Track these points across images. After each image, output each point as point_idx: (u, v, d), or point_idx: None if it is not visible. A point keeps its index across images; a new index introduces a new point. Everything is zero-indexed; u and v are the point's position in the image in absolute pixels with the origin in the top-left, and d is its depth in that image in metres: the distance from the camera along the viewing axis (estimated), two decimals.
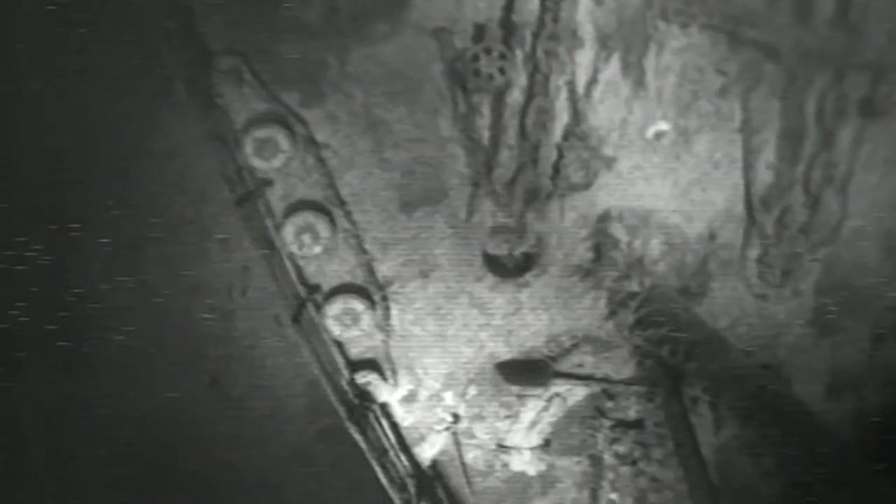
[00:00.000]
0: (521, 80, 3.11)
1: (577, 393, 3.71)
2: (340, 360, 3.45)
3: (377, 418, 3.56)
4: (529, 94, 3.08)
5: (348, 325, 3.35)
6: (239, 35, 3.08)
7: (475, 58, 3.03)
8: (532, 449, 3.80)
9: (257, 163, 3.13)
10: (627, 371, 3.62)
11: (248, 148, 3.12)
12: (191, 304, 4.02)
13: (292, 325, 3.24)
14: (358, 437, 3.37)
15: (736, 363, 2.83)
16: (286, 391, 3.92)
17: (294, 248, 3.25)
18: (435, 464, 3.77)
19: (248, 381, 4.08)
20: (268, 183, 3.18)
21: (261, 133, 3.09)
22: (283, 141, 3.11)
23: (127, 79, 3.32)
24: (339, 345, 3.46)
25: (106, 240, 3.82)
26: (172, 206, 3.75)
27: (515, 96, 3.10)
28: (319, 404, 3.76)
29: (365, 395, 3.47)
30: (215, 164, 3.19)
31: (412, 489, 3.62)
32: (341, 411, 3.37)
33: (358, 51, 3.11)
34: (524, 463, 3.84)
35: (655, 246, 3.37)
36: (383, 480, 3.47)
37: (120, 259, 3.92)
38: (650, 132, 3.31)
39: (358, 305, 3.33)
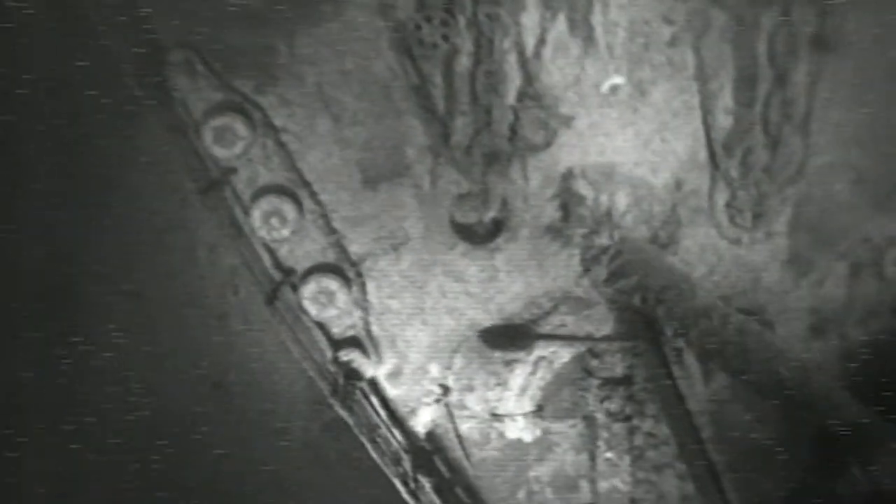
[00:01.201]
0: (467, 45, 3.12)
1: (563, 355, 3.73)
2: (322, 341, 3.45)
3: (366, 395, 3.58)
4: (476, 59, 3.11)
5: (324, 305, 3.39)
6: (187, 28, 3.13)
7: (417, 27, 3.06)
8: (525, 415, 3.82)
9: (218, 151, 3.17)
10: (608, 327, 3.63)
11: (208, 137, 3.15)
12: (186, 312, 4.07)
13: (267, 308, 3.24)
14: (344, 413, 3.38)
15: (702, 299, 2.84)
16: (288, 387, 3.98)
17: (263, 233, 3.28)
18: (431, 437, 3.79)
19: (249, 380, 4.14)
20: (231, 171, 3.22)
21: (218, 122, 3.13)
22: (240, 128, 3.16)
23: (88, 85, 3.37)
24: (321, 326, 3.48)
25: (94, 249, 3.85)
26: (155, 213, 3.80)
27: (463, 62, 3.12)
28: (323, 397, 3.80)
29: (350, 373, 3.49)
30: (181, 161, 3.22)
31: (407, 464, 3.64)
32: (326, 390, 3.38)
33: (304, 33, 3.15)
34: (519, 430, 3.86)
35: (622, 199, 3.40)
36: (374, 456, 3.48)
37: (112, 270, 3.96)
38: (605, 87, 3.33)
39: (332, 284, 3.37)
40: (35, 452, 3.97)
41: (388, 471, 3.57)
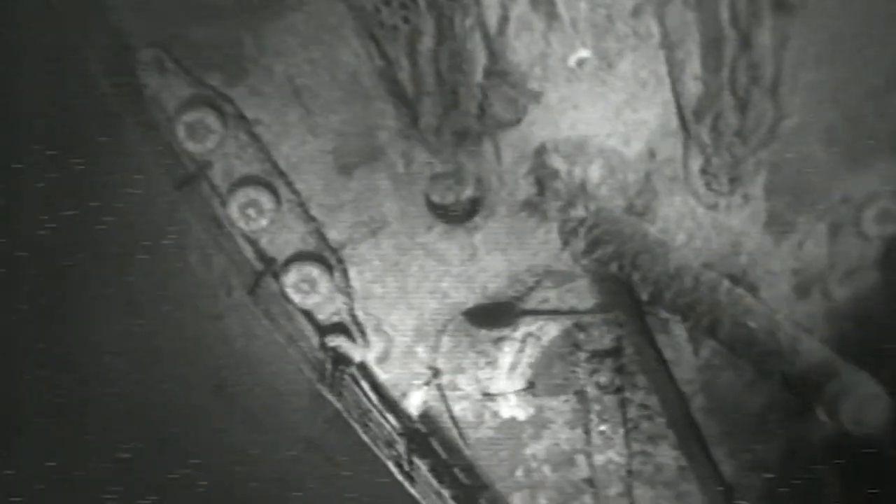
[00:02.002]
0: (429, 26, 3.15)
1: (550, 330, 3.76)
2: (308, 328, 3.49)
3: (356, 381, 3.62)
4: (439, 40, 3.13)
5: (307, 292, 3.43)
6: (155, 26, 3.17)
7: (377, 10, 3.10)
8: (517, 393, 3.85)
9: (192, 146, 3.22)
10: (592, 300, 3.65)
11: (181, 133, 3.20)
12: (183, 316, 4.10)
13: (249, 297, 3.28)
14: (333, 398, 3.42)
15: (675, 261, 2.87)
16: (289, 384, 4.02)
17: (242, 225, 3.32)
18: (426, 420, 3.83)
19: (250, 380, 4.18)
20: (207, 165, 3.26)
21: (190, 117, 3.18)
22: (212, 122, 3.20)
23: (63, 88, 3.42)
24: (307, 314, 3.53)
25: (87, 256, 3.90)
26: (146, 218, 3.84)
27: (426, 43, 3.15)
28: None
29: (338, 359, 3.53)
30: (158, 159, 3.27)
31: (401, 447, 3.68)
32: (313, 376, 3.42)
33: (270, 25, 3.20)
34: (512, 408, 3.89)
35: (595, 171, 3.42)
36: (366, 440, 3.51)
37: (107, 278, 4.00)
38: (572, 61, 3.36)
39: (313, 271, 3.41)
40: (35, 455, 3.97)
41: (382, 454, 3.58)
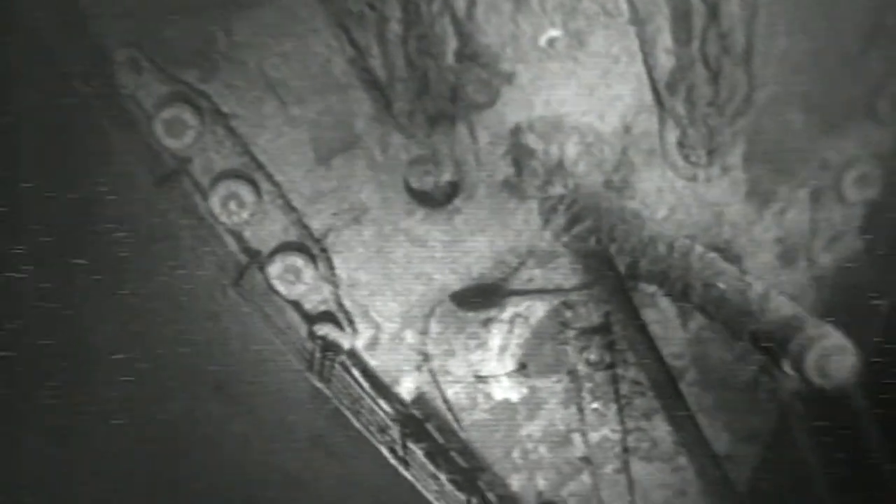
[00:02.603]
0: (396, 12, 3.19)
1: (538, 310, 3.78)
2: (296, 318, 3.53)
3: (347, 368, 3.66)
4: (406, 25, 3.17)
5: (292, 282, 3.47)
6: (128, 26, 3.22)
7: None
8: (509, 375, 3.88)
9: (171, 143, 3.27)
10: (577, 277, 3.68)
11: (159, 130, 3.25)
12: (179, 317, 4.14)
13: (234, 289, 3.33)
14: (322, 386, 3.46)
15: (649, 230, 2.90)
16: (289, 382, 4.01)
17: (224, 219, 3.37)
18: (420, 405, 3.86)
19: (250, 379, 4.20)
20: (186, 161, 3.31)
21: (167, 114, 3.23)
22: (189, 118, 3.24)
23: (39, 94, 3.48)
24: (294, 304, 3.57)
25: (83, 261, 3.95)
26: (138, 223, 3.89)
27: (394, 29, 3.19)
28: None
29: (327, 347, 3.57)
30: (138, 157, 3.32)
31: (395, 432, 3.71)
32: (301, 365, 3.46)
33: (241, 18, 3.25)
34: (505, 390, 3.92)
35: (571, 148, 3.45)
36: (357, 426, 3.55)
37: (99, 281, 4.05)
38: (542, 41, 3.39)
39: (297, 261, 3.45)
40: (35, 459, 4.02)
41: (375, 440, 3.61)
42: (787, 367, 2.26)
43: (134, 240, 3.87)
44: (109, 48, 3.25)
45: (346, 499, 4.42)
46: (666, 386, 3.47)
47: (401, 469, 3.65)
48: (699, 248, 2.73)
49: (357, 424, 3.61)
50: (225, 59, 3.30)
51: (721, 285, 2.52)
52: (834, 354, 2.22)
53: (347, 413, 3.60)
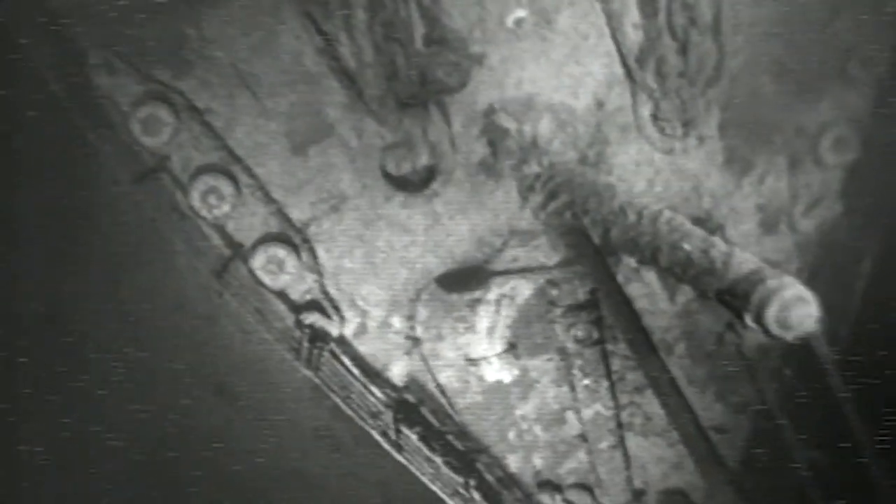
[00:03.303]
0: None
1: (523, 290, 3.81)
2: (283, 309, 3.58)
3: (336, 356, 3.70)
4: (372, 11, 3.21)
5: (276, 273, 3.51)
6: (100, 27, 3.28)
7: None
8: (499, 356, 3.91)
9: (148, 141, 3.32)
10: (559, 254, 3.71)
11: (135, 129, 3.30)
12: (176, 320, 4.19)
13: (216, 281, 3.37)
14: (310, 374, 3.50)
15: (620, 199, 2.93)
16: (289, 378, 4.05)
17: (205, 213, 3.42)
18: (414, 390, 3.90)
19: (251, 378, 4.25)
20: (165, 158, 3.37)
21: (142, 113, 3.29)
22: (165, 115, 3.30)
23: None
24: (281, 294, 3.62)
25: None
26: (129, 230, 3.95)
27: (360, 16, 3.23)
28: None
29: (316, 336, 3.61)
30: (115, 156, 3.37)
31: (387, 417, 3.75)
32: (288, 355, 3.50)
33: (210, 15, 3.30)
34: (496, 372, 3.95)
35: (545, 126, 3.49)
36: (347, 412, 3.59)
37: (95, 286, 4.11)
38: (509, 21, 3.43)
39: (280, 252, 3.49)
40: (38, 462, 4.07)
41: (366, 425, 3.65)
42: (749, 321, 2.28)
43: (125, 241, 3.91)
44: (83, 50, 3.29)
45: (353, 491, 4.45)
46: (651, 360, 3.47)
47: (394, 453, 3.65)
48: (667, 214, 2.75)
49: (348, 411, 3.59)
50: (197, 56, 3.34)
51: (686, 246, 2.54)
52: (794, 305, 2.24)
53: (337, 400, 3.59)
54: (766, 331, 2.22)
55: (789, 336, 2.26)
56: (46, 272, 4.12)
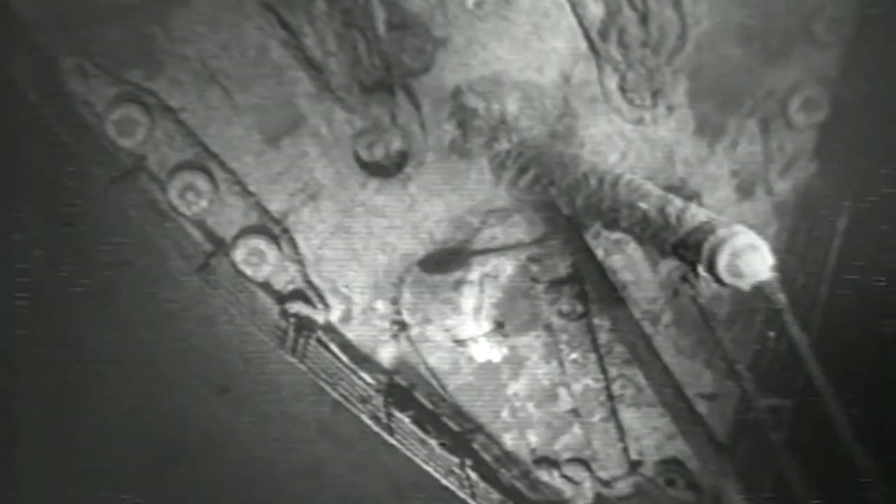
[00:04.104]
0: None
1: (505, 268, 3.86)
2: (268, 300, 3.64)
3: (324, 344, 3.76)
4: (331, 1, 3.27)
5: (257, 265, 3.58)
6: (71, 34, 3.36)
7: None
8: (487, 336, 3.95)
9: (124, 142, 3.40)
10: (536, 230, 3.75)
11: (112, 131, 3.38)
12: (175, 324, 4.26)
13: (196, 275, 3.44)
14: (295, 361, 3.56)
15: (583, 167, 2.97)
16: (291, 378, 4.13)
17: (184, 210, 3.49)
18: (405, 374, 3.95)
19: (252, 379, 4.31)
20: (142, 158, 3.45)
21: (116, 115, 3.36)
22: (139, 116, 3.38)
23: None
24: (265, 286, 3.68)
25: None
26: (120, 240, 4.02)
27: (320, 6, 3.30)
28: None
29: (302, 324, 3.67)
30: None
31: (378, 401, 3.80)
32: (273, 344, 3.57)
33: (177, 15, 3.37)
34: (485, 352, 4.00)
35: (512, 103, 3.54)
36: (336, 396, 3.65)
37: (92, 294, 4.18)
38: (470, 3, 3.49)
39: (259, 243, 3.56)
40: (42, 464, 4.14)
41: (356, 409, 3.70)
42: (702, 271, 2.31)
43: (119, 248, 3.98)
44: (55, 56, 3.37)
45: (362, 482, 4.51)
46: (632, 331, 3.51)
47: (385, 435, 3.70)
48: (627, 177, 2.80)
49: (337, 396, 3.64)
50: (167, 56, 3.42)
51: (643, 205, 2.58)
52: (744, 253, 2.26)
53: (325, 386, 3.64)
54: (719, 279, 2.25)
55: (743, 284, 2.28)
56: (41, 283, 4.16)
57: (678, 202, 2.55)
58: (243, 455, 4.46)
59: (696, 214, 2.43)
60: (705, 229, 2.32)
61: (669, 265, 3.94)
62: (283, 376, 4.25)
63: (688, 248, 2.36)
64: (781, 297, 2.43)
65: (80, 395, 4.28)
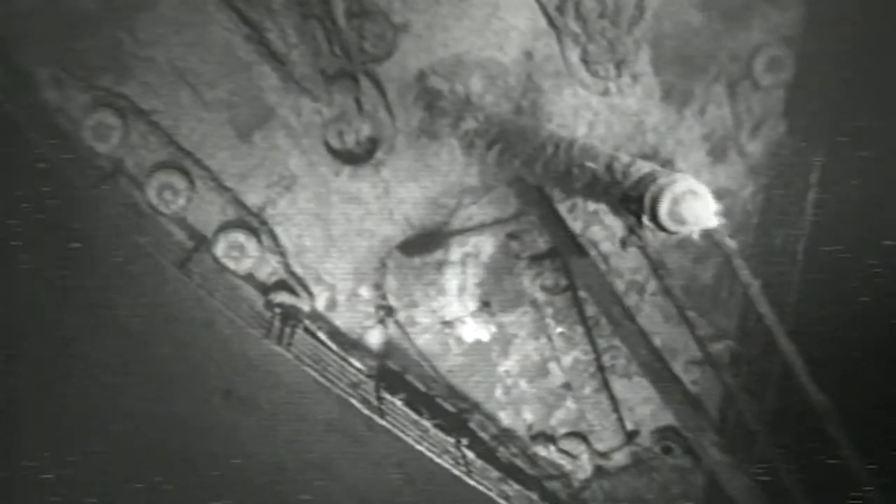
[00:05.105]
0: None
1: (486, 246, 3.92)
2: (252, 292, 3.73)
3: (312, 333, 3.84)
4: None
5: (238, 258, 3.66)
6: (42, 45, 3.47)
7: None
8: (473, 315, 4.00)
9: (101, 147, 3.50)
10: (511, 206, 3.81)
11: (87, 137, 3.49)
12: (174, 328, 4.36)
13: (180, 272, 3.53)
14: (281, 350, 3.63)
15: (541, 136, 3.03)
16: (293, 376, 4.20)
17: (163, 209, 3.59)
18: (396, 358, 4.02)
19: (255, 379, 4.41)
20: (119, 162, 3.55)
21: (91, 120, 3.47)
22: (112, 120, 3.48)
23: None
24: (248, 278, 3.77)
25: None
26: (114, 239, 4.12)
27: (278, 0, 3.39)
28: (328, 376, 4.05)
29: (287, 314, 3.75)
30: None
31: (368, 386, 3.87)
32: (258, 334, 3.65)
33: (142, 19, 3.48)
34: (473, 331, 4.05)
35: (476, 83, 3.61)
36: (323, 382, 3.71)
37: (90, 301, 4.28)
38: None
39: (239, 237, 3.64)
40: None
41: (345, 394, 3.77)
42: (646, 221, 2.35)
43: (114, 255, 4.07)
44: (28, 67, 3.48)
45: (373, 474, 4.60)
46: (609, 301, 3.55)
47: (375, 418, 3.76)
48: (581, 141, 2.85)
49: (324, 381, 3.71)
50: (135, 60, 3.52)
51: (592, 165, 2.63)
52: (685, 199, 2.30)
53: (313, 373, 3.71)
54: (663, 227, 2.28)
55: (687, 230, 2.32)
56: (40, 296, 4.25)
57: (625, 159, 2.59)
58: (251, 456, 4.54)
59: (641, 168, 2.47)
60: (647, 180, 2.36)
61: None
62: (286, 377, 4.32)
63: (632, 200, 2.39)
64: (730, 243, 2.45)
65: (89, 412, 4.32)
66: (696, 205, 2.28)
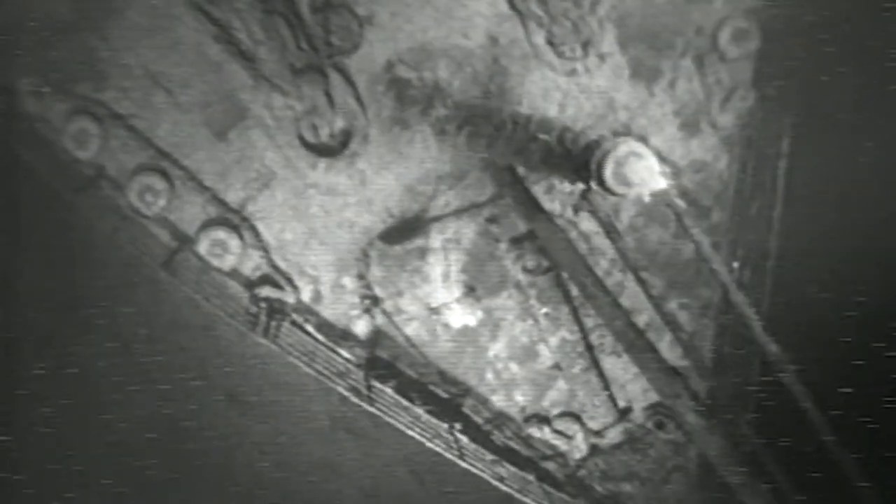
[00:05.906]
0: None
1: (466, 232, 3.97)
2: (237, 287, 3.81)
3: (299, 325, 3.91)
4: None
5: (220, 255, 3.75)
6: (22, 58, 3.57)
7: None
8: (459, 301, 4.06)
9: (81, 154, 3.60)
10: (488, 191, 3.87)
11: (69, 145, 3.59)
12: (174, 333, 4.45)
13: (163, 271, 3.61)
14: (268, 342, 3.71)
15: (502, 115, 3.09)
16: (295, 376, 4.25)
17: (145, 211, 3.68)
18: (385, 346, 4.08)
19: (257, 380, 4.47)
20: (101, 167, 3.65)
21: (72, 128, 3.57)
22: (91, 127, 3.58)
23: None
24: (233, 274, 3.85)
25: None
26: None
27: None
28: (329, 374, 4.11)
29: (273, 308, 3.83)
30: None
31: (357, 375, 3.93)
32: (244, 329, 3.72)
33: (113, 25, 3.57)
34: (461, 317, 4.10)
35: (443, 70, 3.67)
36: (312, 373, 3.78)
37: (88, 310, 4.36)
38: None
39: (220, 234, 3.73)
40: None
41: (333, 384, 3.83)
42: (594, 185, 2.42)
43: (112, 262, 4.16)
44: (10, 81, 3.58)
45: (380, 470, 4.66)
46: (583, 274, 3.59)
47: (365, 406, 3.81)
48: (538, 116, 2.91)
49: (311, 371, 3.77)
50: (110, 66, 3.61)
51: (545, 136, 2.69)
52: (629, 161, 2.37)
53: (301, 364, 3.77)
54: (610, 190, 2.35)
55: (635, 192, 2.38)
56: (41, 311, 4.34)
57: (576, 128, 2.65)
58: (259, 457, 4.63)
59: (589, 136, 2.53)
60: (592, 146, 2.42)
61: (629, 212, 4.00)
62: (287, 377, 4.38)
63: (581, 167, 2.46)
64: (680, 203, 2.51)
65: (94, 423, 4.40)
66: (640, 166, 2.35)
